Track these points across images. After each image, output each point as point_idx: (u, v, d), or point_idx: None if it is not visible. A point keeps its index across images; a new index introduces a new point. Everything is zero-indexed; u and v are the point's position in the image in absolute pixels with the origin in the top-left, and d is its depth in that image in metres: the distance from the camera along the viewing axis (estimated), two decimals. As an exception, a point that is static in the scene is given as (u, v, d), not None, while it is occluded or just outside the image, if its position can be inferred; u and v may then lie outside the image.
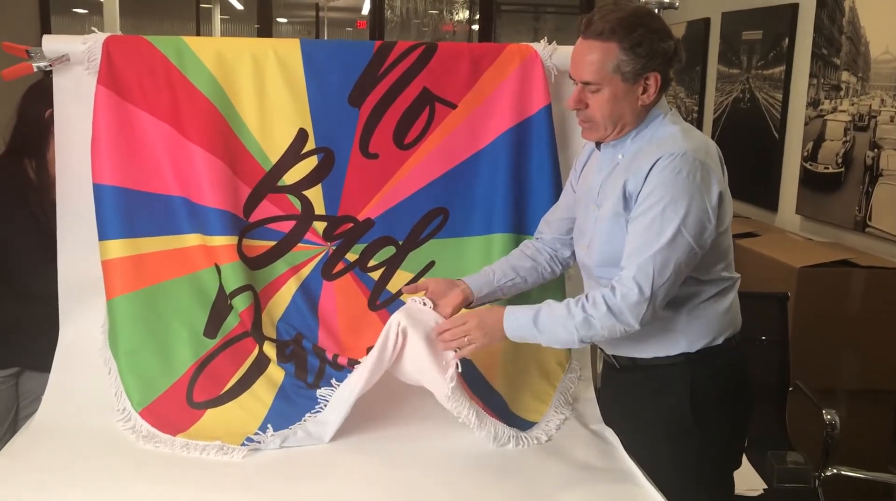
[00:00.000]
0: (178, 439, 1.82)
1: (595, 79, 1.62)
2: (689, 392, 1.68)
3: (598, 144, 1.77)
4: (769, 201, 3.77)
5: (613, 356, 1.81)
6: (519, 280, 1.93)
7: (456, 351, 1.75)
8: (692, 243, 1.55)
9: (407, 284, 2.06)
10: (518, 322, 1.67)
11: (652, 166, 1.58)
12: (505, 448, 1.79)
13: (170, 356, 1.97)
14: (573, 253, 1.91)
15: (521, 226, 2.12)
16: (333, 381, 1.95)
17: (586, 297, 1.62)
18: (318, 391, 1.94)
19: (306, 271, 2.11)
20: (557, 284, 2.06)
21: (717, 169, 1.60)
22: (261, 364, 1.99)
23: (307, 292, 2.10)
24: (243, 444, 1.79)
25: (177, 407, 1.91)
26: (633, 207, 1.61)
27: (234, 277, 2.03)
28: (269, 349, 2.01)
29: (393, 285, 2.13)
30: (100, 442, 1.80)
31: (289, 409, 1.90)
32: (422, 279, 2.02)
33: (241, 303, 2.03)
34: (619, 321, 1.58)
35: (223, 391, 1.94)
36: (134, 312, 1.98)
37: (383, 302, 2.13)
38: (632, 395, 1.79)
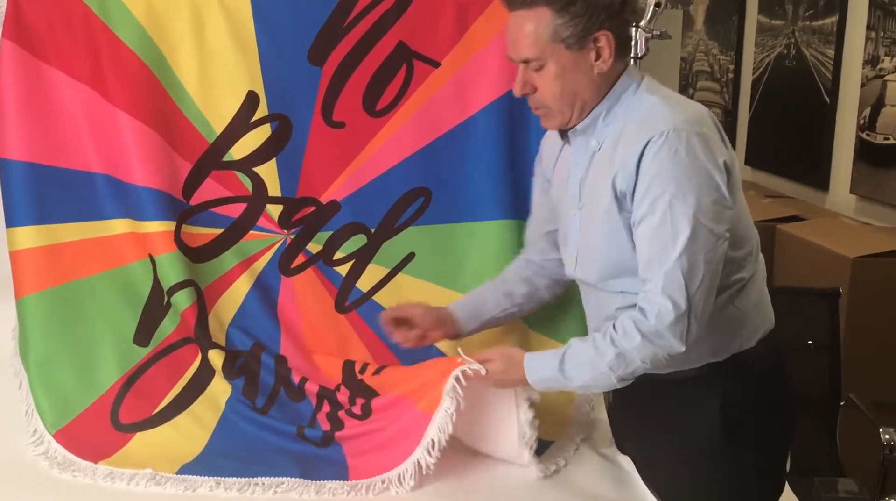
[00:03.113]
0: (101, 466, 1.79)
1: (534, 54, 1.60)
2: (718, 409, 1.66)
3: (563, 135, 1.73)
4: (818, 178, 3.74)
5: None
6: (514, 309, 1.94)
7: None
8: (716, 231, 1.53)
9: (379, 283, 2.05)
10: (542, 372, 1.67)
11: (641, 153, 1.55)
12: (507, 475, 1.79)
13: (91, 369, 1.94)
14: None
15: (517, 210, 2.09)
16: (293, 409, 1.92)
17: (614, 327, 1.60)
18: (268, 419, 1.90)
19: (260, 264, 2.09)
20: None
21: (716, 135, 1.58)
22: (202, 379, 1.96)
23: (263, 290, 2.08)
24: (179, 472, 1.76)
25: (99, 430, 1.88)
26: (630, 207, 1.59)
27: (172, 269, 2.00)
28: (216, 358, 1.98)
29: (364, 283, 2.10)
30: (6, 470, 1.78)
31: (234, 438, 1.86)
32: (403, 303, 1.97)
33: (182, 301, 2.00)
34: (659, 347, 1.55)
35: (156, 411, 1.91)
36: (48, 313, 1.95)
37: (353, 303, 2.10)
38: (649, 413, 1.77)
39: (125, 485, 1.74)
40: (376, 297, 2.09)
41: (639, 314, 1.56)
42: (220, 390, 1.95)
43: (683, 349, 1.55)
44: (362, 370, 1.97)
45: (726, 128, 4.55)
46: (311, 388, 1.96)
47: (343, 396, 1.92)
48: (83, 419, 1.89)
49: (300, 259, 2.10)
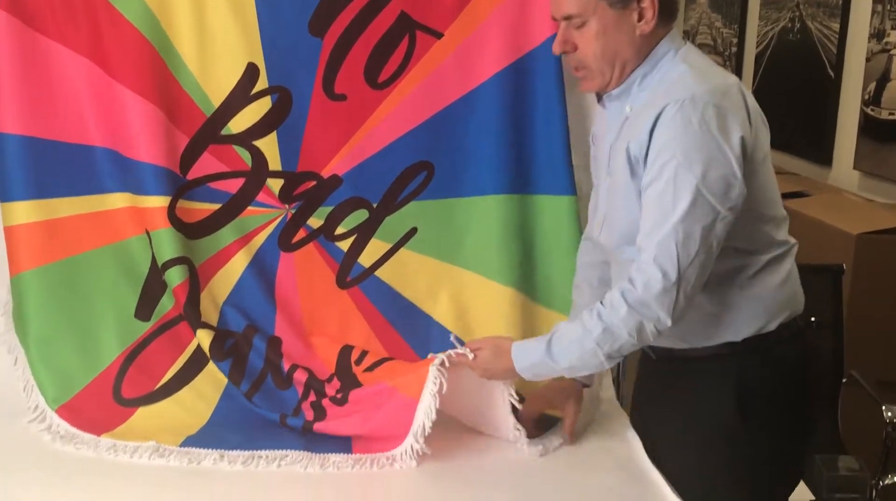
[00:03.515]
0: (104, 439, 1.80)
1: (577, 10, 1.59)
2: (733, 390, 1.66)
3: (599, 99, 1.73)
4: (822, 153, 3.73)
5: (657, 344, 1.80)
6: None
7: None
8: (718, 206, 1.51)
9: (381, 258, 2.05)
10: (530, 357, 1.67)
11: (656, 119, 1.54)
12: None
13: (93, 344, 1.95)
14: None
15: (522, 184, 2.09)
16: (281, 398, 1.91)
17: (602, 302, 1.60)
18: (251, 405, 1.90)
19: (259, 240, 2.08)
20: None
21: (739, 111, 1.55)
22: (202, 355, 1.97)
23: (261, 268, 2.08)
24: (182, 445, 1.77)
25: (101, 404, 1.89)
26: (642, 173, 1.58)
27: (166, 246, 2.00)
28: (204, 338, 1.97)
29: (366, 258, 2.10)
30: (8, 445, 1.79)
31: (237, 412, 1.88)
32: (534, 405, 1.88)
33: (174, 278, 2.00)
34: (646, 318, 1.54)
35: (158, 386, 1.92)
36: (47, 290, 1.95)
37: (355, 278, 2.10)
38: (668, 392, 1.78)
39: (128, 458, 1.76)
40: (378, 272, 2.08)
41: (628, 283, 1.56)
42: (217, 369, 1.95)
43: (670, 322, 1.54)
44: (358, 360, 1.97)
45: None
46: (300, 377, 1.95)
47: (332, 389, 1.91)
48: (85, 394, 1.89)
49: (301, 234, 2.09)
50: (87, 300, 1.97)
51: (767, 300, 1.65)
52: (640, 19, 1.59)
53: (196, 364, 1.96)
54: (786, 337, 1.68)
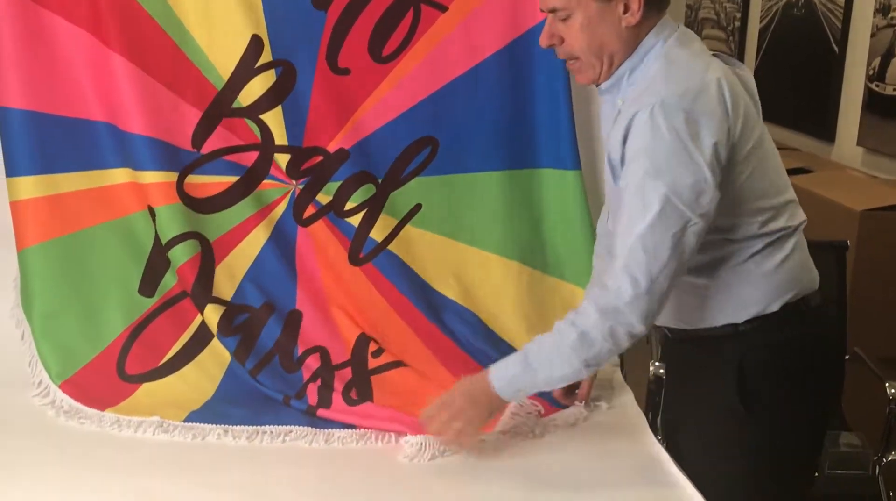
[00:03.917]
0: (108, 414, 1.81)
1: (561, 3, 1.57)
2: (736, 371, 1.64)
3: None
4: (825, 129, 3.72)
5: (664, 325, 1.80)
6: None
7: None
8: (689, 213, 1.49)
9: (391, 234, 2.05)
10: (508, 375, 1.63)
11: (628, 126, 1.53)
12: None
13: (96, 319, 1.95)
14: None
15: (527, 159, 2.09)
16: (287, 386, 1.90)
17: (576, 309, 1.59)
18: (255, 383, 1.90)
19: (277, 212, 2.08)
20: None
21: (713, 114, 1.51)
22: (204, 335, 1.97)
23: (281, 240, 2.07)
24: (186, 420, 1.77)
25: (105, 381, 1.90)
26: (620, 175, 1.58)
27: (172, 222, 1.99)
28: (212, 315, 1.96)
29: (377, 233, 2.09)
30: (12, 419, 1.80)
31: (241, 388, 1.88)
32: None
33: (179, 255, 1.99)
34: (618, 323, 1.53)
35: (162, 362, 1.93)
36: (51, 265, 1.96)
37: (368, 254, 2.09)
38: (683, 371, 1.79)
39: (132, 432, 1.76)
40: (391, 247, 2.08)
41: (600, 289, 1.56)
42: (220, 347, 1.95)
43: (643, 327, 1.53)
44: (376, 354, 1.96)
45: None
46: (311, 364, 1.94)
47: (341, 381, 1.89)
48: (89, 369, 1.90)
49: (311, 210, 2.08)
50: (92, 276, 1.97)
51: (765, 282, 1.63)
52: (625, 11, 1.56)
53: (200, 341, 1.96)
54: (791, 319, 1.65)
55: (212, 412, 1.82)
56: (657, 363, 2.03)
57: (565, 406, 1.85)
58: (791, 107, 4.00)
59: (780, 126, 4.12)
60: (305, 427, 1.77)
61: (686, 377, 1.78)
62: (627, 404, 1.91)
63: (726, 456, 1.68)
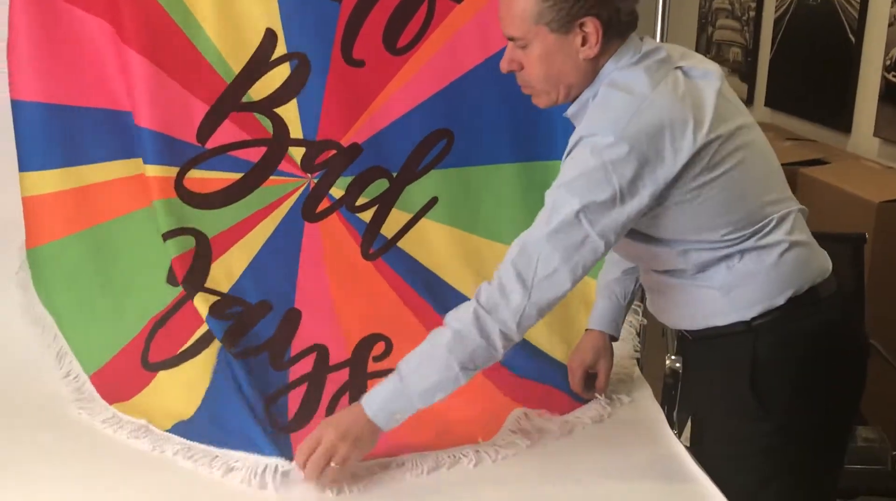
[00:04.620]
0: (112, 409, 1.79)
1: (518, 33, 1.57)
2: (748, 367, 1.63)
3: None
4: (841, 120, 3.71)
5: (674, 327, 1.80)
6: (635, 276, 1.90)
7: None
8: (591, 233, 1.50)
9: (402, 229, 2.04)
10: (379, 398, 1.56)
11: (570, 150, 1.54)
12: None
13: (125, 309, 1.95)
14: None
15: (545, 151, 2.09)
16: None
17: (454, 309, 1.58)
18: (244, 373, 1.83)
19: (282, 211, 2.07)
20: None
21: (658, 152, 1.49)
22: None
23: (283, 239, 2.05)
24: (170, 431, 1.71)
25: (130, 370, 1.88)
26: None
27: (167, 217, 1.97)
28: (201, 304, 1.92)
29: (388, 229, 2.09)
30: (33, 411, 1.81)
31: (226, 401, 1.78)
32: (574, 361, 1.88)
33: (173, 248, 1.97)
34: (494, 318, 1.52)
35: (181, 350, 1.91)
36: (79, 257, 1.96)
37: (378, 250, 2.08)
38: (698, 367, 1.79)
39: (125, 436, 1.73)
40: (401, 243, 2.07)
41: (485, 282, 1.55)
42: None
43: (515, 331, 1.52)
44: (378, 358, 1.92)
45: (746, 68, 4.53)
46: (303, 368, 1.88)
47: (333, 385, 1.84)
48: (118, 360, 1.89)
49: (324, 204, 2.07)
50: (121, 266, 1.97)
51: (769, 276, 1.61)
52: (583, 44, 1.55)
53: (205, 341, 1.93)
54: (803, 309, 1.63)
55: (196, 426, 1.73)
56: (673, 357, 2.02)
57: (586, 400, 1.85)
58: (806, 97, 3.99)
59: (796, 117, 4.11)
60: (279, 459, 1.59)
61: (701, 374, 1.78)
62: (645, 398, 1.91)
63: (743, 454, 1.66)
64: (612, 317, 1.91)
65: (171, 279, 1.97)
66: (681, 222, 1.57)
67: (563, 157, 1.56)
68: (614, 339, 1.91)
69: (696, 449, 1.70)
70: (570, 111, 1.64)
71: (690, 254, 1.60)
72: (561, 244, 1.50)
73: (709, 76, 1.58)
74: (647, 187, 1.50)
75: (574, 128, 1.61)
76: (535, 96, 1.64)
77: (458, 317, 1.55)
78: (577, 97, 1.61)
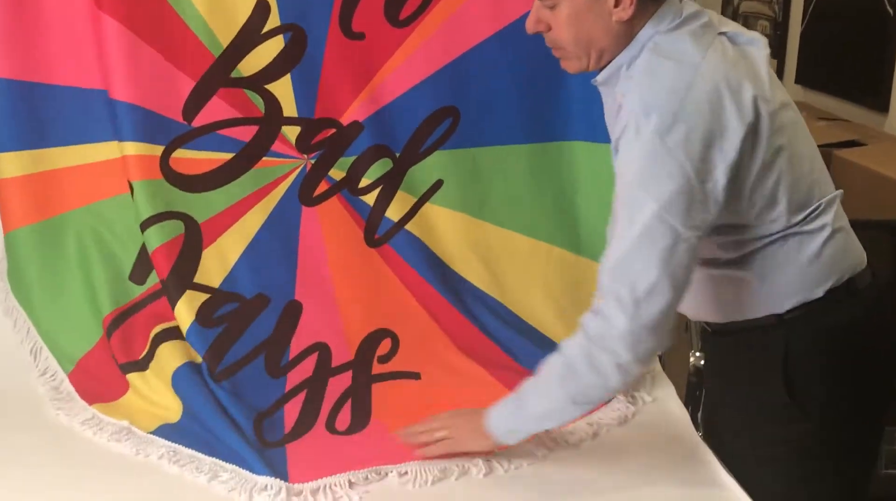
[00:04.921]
0: (93, 409, 1.76)
1: None
2: (781, 363, 1.59)
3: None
4: (878, 99, 3.62)
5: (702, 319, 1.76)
6: None
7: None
8: (680, 229, 1.43)
9: (408, 213, 2.02)
10: (502, 413, 1.59)
11: (620, 134, 1.47)
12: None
13: (93, 307, 1.91)
14: None
15: (557, 131, 2.06)
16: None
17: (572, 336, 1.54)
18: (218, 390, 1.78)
19: (278, 194, 2.03)
20: None
21: (705, 119, 1.43)
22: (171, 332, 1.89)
23: (280, 224, 2.02)
24: (154, 433, 1.68)
25: (107, 369, 1.85)
26: None
27: (150, 200, 1.91)
28: (187, 306, 1.86)
29: (394, 212, 2.05)
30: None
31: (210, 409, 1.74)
32: None
33: (155, 238, 1.90)
34: (602, 349, 1.46)
35: (142, 355, 1.86)
36: (46, 247, 1.93)
37: (384, 235, 2.05)
38: (725, 365, 1.74)
39: (106, 440, 1.70)
40: (408, 227, 2.03)
41: (590, 313, 1.49)
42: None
43: (631, 360, 1.45)
44: (383, 359, 1.89)
45: (776, 43, 4.43)
46: (303, 371, 1.85)
47: (334, 391, 1.80)
48: (91, 358, 1.87)
49: (323, 187, 2.03)
50: (86, 260, 1.93)
51: (807, 268, 1.57)
52: (616, 4, 1.48)
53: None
54: (838, 302, 1.59)
55: (183, 430, 1.69)
56: (697, 354, 1.99)
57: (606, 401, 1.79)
58: (840, 74, 3.91)
59: (829, 95, 4.04)
60: (270, 478, 1.54)
61: (728, 372, 1.73)
62: (669, 398, 1.87)
63: (774, 456, 1.63)
64: None
65: (137, 277, 1.93)
66: (743, 206, 1.51)
67: (615, 138, 1.49)
68: None
69: (722, 452, 1.68)
70: (599, 78, 1.57)
71: (730, 241, 1.55)
72: (652, 253, 1.43)
73: (756, 43, 1.55)
74: (719, 164, 1.43)
75: (599, 99, 1.59)
76: (565, 59, 1.57)
77: (570, 346, 1.51)
78: (608, 63, 1.54)
